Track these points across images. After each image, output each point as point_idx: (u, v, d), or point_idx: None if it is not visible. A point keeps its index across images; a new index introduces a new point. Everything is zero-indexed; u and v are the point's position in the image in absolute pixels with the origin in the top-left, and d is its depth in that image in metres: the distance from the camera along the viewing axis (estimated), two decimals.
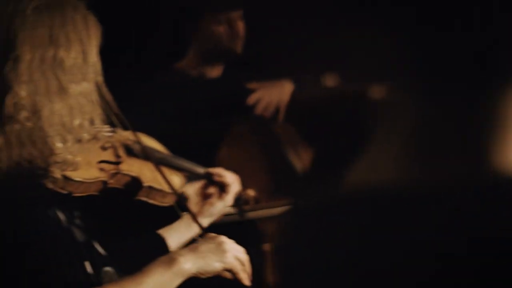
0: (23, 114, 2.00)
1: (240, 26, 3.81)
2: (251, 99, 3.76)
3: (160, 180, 2.44)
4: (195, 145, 3.49)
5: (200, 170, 2.63)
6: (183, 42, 3.89)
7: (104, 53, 2.23)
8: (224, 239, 2.23)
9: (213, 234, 2.26)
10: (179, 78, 3.82)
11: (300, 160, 3.62)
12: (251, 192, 2.74)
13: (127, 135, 2.43)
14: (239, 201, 2.72)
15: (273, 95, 3.73)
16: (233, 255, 2.21)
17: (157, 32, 4.34)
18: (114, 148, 2.39)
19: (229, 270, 2.21)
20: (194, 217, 2.40)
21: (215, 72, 3.90)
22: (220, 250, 2.20)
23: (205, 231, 2.37)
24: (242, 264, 2.24)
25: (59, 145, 2.04)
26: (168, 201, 2.50)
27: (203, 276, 2.19)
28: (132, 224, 2.95)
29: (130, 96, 3.68)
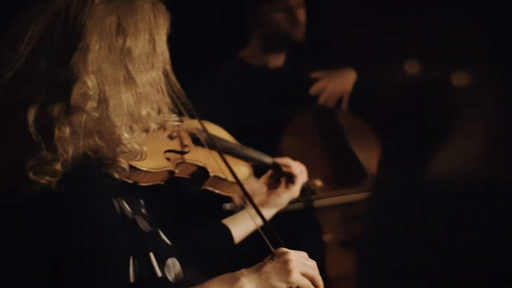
0: (91, 104, 1.96)
1: (301, 13, 3.76)
2: (314, 88, 3.72)
3: (227, 170, 2.41)
4: (259, 134, 3.47)
5: (268, 159, 2.60)
6: (245, 31, 3.86)
7: (170, 41, 2.20)
8: (291, 256, 2.11)
9: (282, 250, 2.13)
10: (242, 68, 3.79)
11: (363, 149, 3.57)
12: (318, 182, 2.70)
13: (194, 124, 2.41)
14: (306, 191, 2.68)
15: (336, 84, 3.69)
16: (299, 273, 2.09)
17: (220, 21, 4.33)
18: (181, 137, 2.37)
19: None
20: (258, 210, 2.34)
21: (277, 61, 3.86)
22: (285, 269, 2.08)
23: (267, 223, 2.31)
24: (311, 279, 2.12)
25: (126, 135, 2.01)
26: (234, 191, 2.47)
27: None
28: (196, 214, 2.93)
29: (194, 86, 3.68)
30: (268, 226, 2.28)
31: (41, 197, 1.92)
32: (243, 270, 2.10)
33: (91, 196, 1.96)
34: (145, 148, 2.08)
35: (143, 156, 2.09)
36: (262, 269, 2.09)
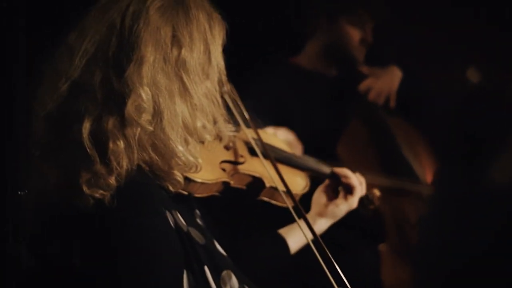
0: (145, 117, 1.92)
1: (371, 36, 3.71)
2: (363, 85, 3.68)
3: (283, 181, 2.37)
4: (314, 141, 3.43)
5: (326, 169, 2.55)
6: (302, 36, 3.81)
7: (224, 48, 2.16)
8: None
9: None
10: (297, 73, 3.76)
11: (417, 159, 3.52)
12: (376, 192, 2.64)
13: (250, 134, 2.37)
14: (365, 201, 2.62)
15: (384, 81, 3.65)
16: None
17: (275, 25, 4.30)
18: (236, 147, 2.34)
19: None
20: (309, 224, 2.31)
21: (332, 69, 3.81)
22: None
23: (318, 238, 2.29)
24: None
25: (180, 148, 1.97)
26: (291, 202, 2.43)
27: None
28: (252, 224, 2.90)
29: (248, 91, 3.65)
30: (319, 241, 2.26)
31: (95, 211, 1.90)
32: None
33: (145, 211, 1.93)
34: (200, 160, 2.04)
35: (198, 168, 2.06)
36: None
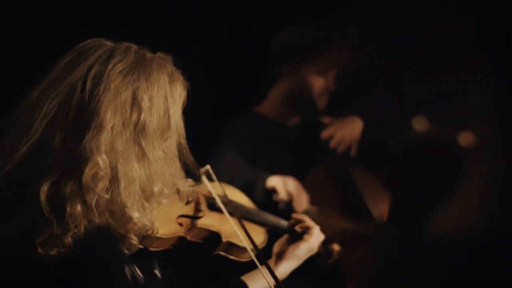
0: (102, 186, 1.92)
1: (333, 83, 3.73)
2: (325, 133, 3.71)
3: (241, 236, 2.38)
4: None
5: (284, 223, 2.56)
6: (265, 86, 3.83)
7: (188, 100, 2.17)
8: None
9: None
10: (260, 122, 3.77)
11: (377, 205, 3.55)
12: (336, 247, 2.65)
13: (210, 188, 2.38)
14: (323, 254, 2.62)
15: (345, 130, 3.68)
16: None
17: (236, 75, 4.32)
18: (196, 202, 2.35)
19: None
20: (270, 269, 2.32)
21: (294, 119, 3.83)
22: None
23: (280, 282, 2.31)
24: None
25: (136, 215, 1.97)
26: (248, 257, 2.44)
27: None
28: (209, 276, 2.91)
29: (210, 140, 3.67)
30: (281, 285, 2.28)
31: (51, 266, 1.90)
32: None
33: (102, 264, 1.95)
34: (156, 224, 2.05)
35: (154, 232, 2.07)
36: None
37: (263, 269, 2.32)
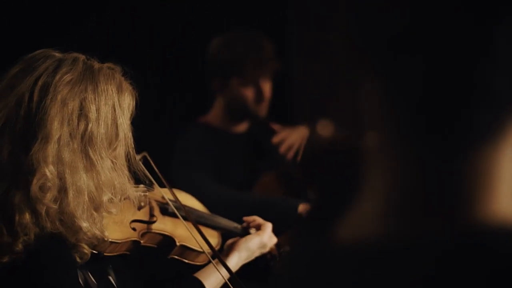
0: (49, 197, 1.92)
1: (267, 89, 3.75)
2: (276, 138, 3.75)
3: (195, 240, 2.39)
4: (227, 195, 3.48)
5: (237, 226, 2.57)
6: (209, 97, 3.86)
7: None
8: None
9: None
10: (207, 131, 3.80)
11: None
12: (288, 249, 2.66)
13: (162, 193, 2.39)
14: (277, 257, 2.63)
15: (295, 137, 3.72)
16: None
17: (182, 86, 4.34)
18: (149, 207, 2.35)
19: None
20: (222, 260, 2.35)
21: (240, 127, 3.87)
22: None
23: (233, 273, 2.34)
24: None
25: (85, 224, 1.97)
26: (202, 260, 2.45)
27: None
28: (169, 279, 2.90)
29: (158, 150, 3.68)
30: (234, 276, 2.32)
31: (3, 273, 1.90)
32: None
33: (55, 270, 1.94)
34: (106, 234, 2.06)
35: (106, 240, 2.08)
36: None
37: (216, 264, 2.34)
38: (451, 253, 0.82)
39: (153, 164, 2.29)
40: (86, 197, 1.96)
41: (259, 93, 3.71)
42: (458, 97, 0.83)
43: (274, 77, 3.73)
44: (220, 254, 2.37)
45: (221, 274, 2.31)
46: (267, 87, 3.73)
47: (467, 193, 0.83)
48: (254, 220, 2.56)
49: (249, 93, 3.71)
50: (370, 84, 0.89)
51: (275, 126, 3.79)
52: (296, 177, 3.70)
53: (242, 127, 3.85)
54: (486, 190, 0.83)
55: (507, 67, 0.82)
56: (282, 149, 3.71)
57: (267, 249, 2.52)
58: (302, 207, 3.31)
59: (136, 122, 2.15)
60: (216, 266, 2.32)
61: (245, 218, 2.58)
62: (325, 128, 0.98)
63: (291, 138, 3.72)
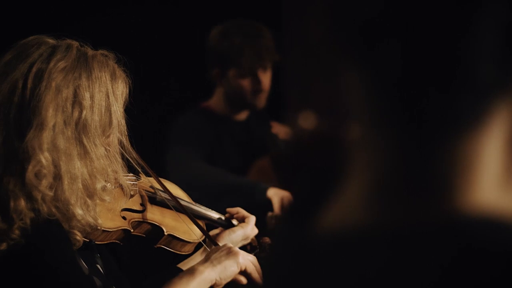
0: (45, 183, 1.92)
1: (266, 81, 3.73)
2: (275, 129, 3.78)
3: (182, 229, 2.41)
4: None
5: (221, 217, 2.58)
6: (210, 84, 3.87)
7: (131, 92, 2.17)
8: (230, 245, 2.31)
9: (224, 244, 2.34)
10: (207, 117, 3.82)
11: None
12: (267, 239, 2.67)
13: (150, 183, 2.40)
14: (258, 248, 2.64)
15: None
16: (244, 257, 2.27)
17: (184, 72, 4.34)
18: (138, 196, 2.36)
19: (244, 271, 2.27)
20: (209, 237, 2.39)
21: (241, 115, 3.89)
22: (232, 253, 2.26)
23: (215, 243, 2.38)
24: (254, 264, 2.29)
25: (79, 211, 1.97)
26: (188, 250, 2.46)
27: (222, 283, 2.24)
28: (153, 268, 2.91)
29: (158, 135, 3.69)
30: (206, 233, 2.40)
31: (2, 260, 1.91)
32: (194, 265, 2.26)
33: (54, 252, 1.95)
34: (99, 221, 2.07)
35: (98, 228, 2.09)
36: (211, 257, 2.26)
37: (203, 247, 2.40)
38: (433, 242, 0.81)
39: (141, 161, 2.29)
40: (80, 184, 1.96)
41: (257, 84, 3.70)
42: (438, 83, 0.80)
43: (274, 68, 3.73)
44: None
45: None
46: (265, 78, 3.72)
47: (448, 181, 0.81)
48: (237, 212, 2.55)
49: (246, 84, 3.70)
50: (348, 73, 0.87)
51: (273, 123, 3.80)
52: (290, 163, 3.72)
53: (242, 115, 3.87)
54: (468, 178, 0.81)
55: (489, 50, 0.79)
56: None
57: (249, 241, 2.54)
58: (271, 192, 3.34)
59: (131, 110, 2.16)
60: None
61: (228, 210, 2.58)
62: (307, 120, 0.98)
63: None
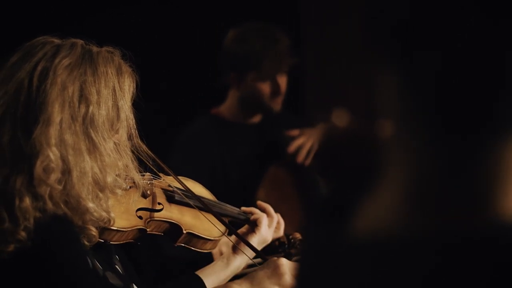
0: (54, 177, 1.90)
1: (283, 84, 3.69)
2: (292, 147, 3.70)
3: (202, 227, 2.36)
4: (235, 189, 3.45)
5: (241, 213, 2.55)
6: (223, 88, 3.83)
7: (143, 95, 2.15)
8: (282, 261, 2.20)
9: (272, 258, 2.23)
10: (217, 124, 3.77)
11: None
12: (298, 235, 2.64)
13: (168, 181, 2.37)
14: (286, 244, 2.61)
15: (312, 142, 3.68)
16: (290, 276, 2.15)
17: (195, 77, 4.31)
18: (155, 195, 2.33)
19: None
20: (245, 240, 2.32)
21: (254, 118, 3.84)
22: (277, 273, 2.16)
23: (262, 256, 2.30)
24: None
25: (91, 205, 1.95)
26: (210, 247, 2.42)
27: None
28: (171, 268, 2.87)
29: (169, 141, 3.65)
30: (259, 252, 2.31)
31: (11, 262, 1.88)
32: (236, 281, 2.18)
33: (62, 248, 1.92)
34: (112, 215, 2.03)
35: (112, 222, 2.04)
36: (254, 277, 2.17)
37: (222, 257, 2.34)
38: (468, 248, 0.78)
39: (154, 156, 2.25)
40: (90, 178, 1.95)
41: (275, 88, 3.66)
42: (478, 91, 0.79)
43: (290, 71, 3.68)
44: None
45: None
46: (283, 82, 3.68)
47: (486, 188, 0.80)
48: (251, 213, 2.51)
49: (265, 87, 3.66)
50: (386, 75, 0.85)
51: (292, 132, 3.75)
52: (306, 168, 3.67)
53: (254, 120, 3.82)
54: (506, 186, 0.80)
55: None
56: (300, 157, 3.67)
57: (269, 241, 2.50)
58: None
59: (141, 107, 2.14)
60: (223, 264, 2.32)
61: (243, 209, 2.55)
62: (340, 118, 0.94)
63: (309, 144, 3.67)
